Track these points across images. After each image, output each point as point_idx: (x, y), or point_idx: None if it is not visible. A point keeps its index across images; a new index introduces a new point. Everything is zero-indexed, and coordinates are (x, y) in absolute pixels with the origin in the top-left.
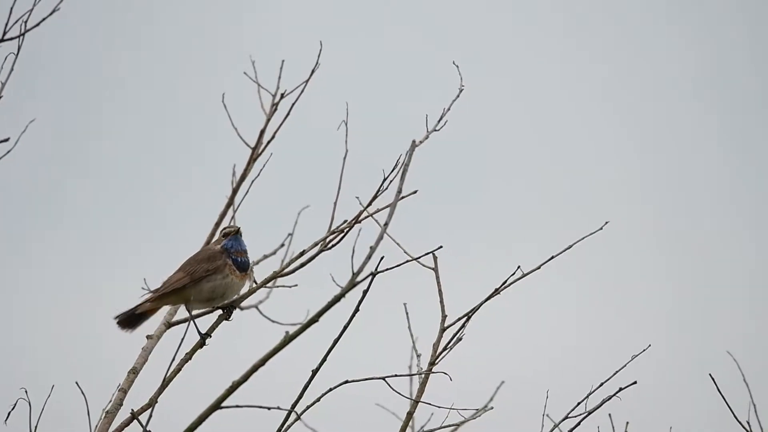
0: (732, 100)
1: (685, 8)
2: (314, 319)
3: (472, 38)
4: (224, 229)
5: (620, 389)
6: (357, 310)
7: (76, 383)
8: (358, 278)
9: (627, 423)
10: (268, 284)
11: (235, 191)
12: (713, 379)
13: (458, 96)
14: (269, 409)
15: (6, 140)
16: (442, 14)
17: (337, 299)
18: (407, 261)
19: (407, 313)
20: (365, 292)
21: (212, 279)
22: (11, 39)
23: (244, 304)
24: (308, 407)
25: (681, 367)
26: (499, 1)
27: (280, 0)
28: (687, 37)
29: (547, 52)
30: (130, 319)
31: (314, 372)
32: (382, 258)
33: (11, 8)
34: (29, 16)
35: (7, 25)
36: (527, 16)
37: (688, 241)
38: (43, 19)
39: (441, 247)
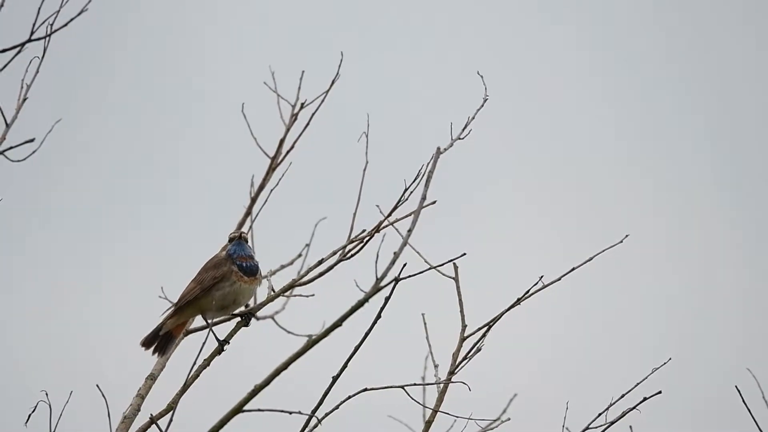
0: (737, 111)
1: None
2: (337, 324)
3: (490, 47)
4: (229, 234)
5: (644, 399)
6: (379, 316)
7: (97, 386)
8: (382, 283)
9: None
10: (286, 293)
11: (253, 200)
12: (739, 391)
13: (483, 105)
14: (290, 413)
15: (31, 140)
16: (463, 23)
17: (360, 304)
18: (429, 268)
19: (425, 324)
20: (387, 299)
21: (221, 287)
22: (38, 39)
23: (260, 313)
24: (328, 414)
25: (702, 379)
26: (518, 11)
27: (301, 10)
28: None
29: (568, 60)
30: (155, 340)
31: (335, 379)
32: (405, 265)
33: (39, 9)
34: (56, 17)
35: (34, 25)
36: (543, 25)
37: (709, 251)
38: (71, 20)
39: (465, 254)
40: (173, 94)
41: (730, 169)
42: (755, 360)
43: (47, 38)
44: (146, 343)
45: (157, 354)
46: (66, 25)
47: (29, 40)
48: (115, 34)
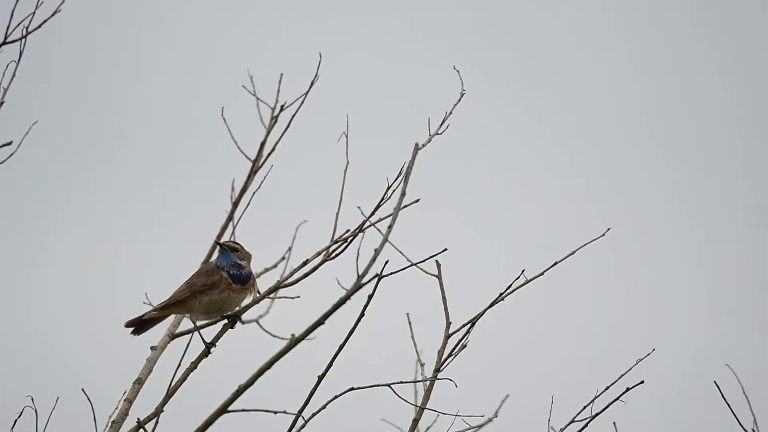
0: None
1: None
2: (320, 322)
3: (472, 41)
4: (223, 242)
5: (627, 389)
6: (362, 314)
7: (83, 390)
8: (363, 280)
9: None
10: (271, 295)
11: (235, 204)
12: (718, 387)
13: (459, 100)
14: (275, 413)
15: (9, 143)
16: (441, 21)
17: (342, 301)
18: (411, 265)
19: (410, 323)
20: (370, 297)
21: (209, 293)
22: (13, 42)
23: (245, 317)
24: (314, 414)
25: (686, 372)
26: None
27: (278, 12)
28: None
29: (556, 51)
30: (137, 324)
31: (320, 378)
32: (387, 262)
33: (12, 11)
34: (31, 19)
35: (8, 28)
36: (524, 19)
37: (696, 243)
38: (44, 21)
39: (446, 249)
40: (152, 98)
41: (742, 161)
42: (736, 354)
43: (23, 40)
44: (130, 325)
45: (134, 333)
46: (40, 26)
47: (4, 43)
48: (92, 35)
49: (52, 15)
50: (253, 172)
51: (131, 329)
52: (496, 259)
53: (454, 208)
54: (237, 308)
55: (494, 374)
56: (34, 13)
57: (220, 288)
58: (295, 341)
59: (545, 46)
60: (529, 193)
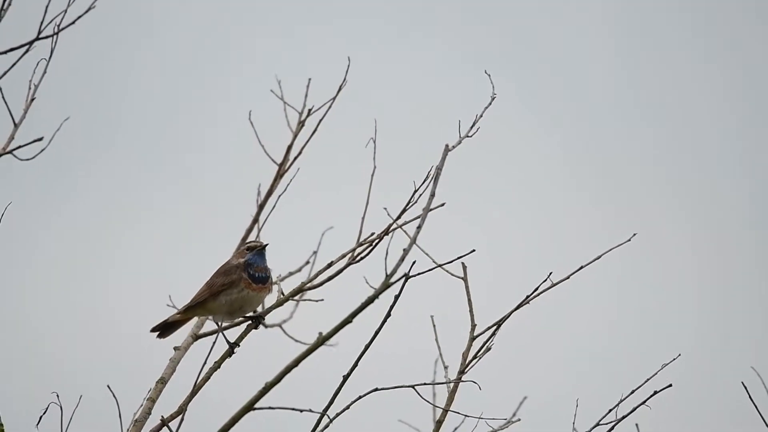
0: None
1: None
2: (348, 320)
3: (499, 46)
4: (249, 242)
5: (655, 392)
6: (389, 314)
7: (108, 386)
8: (392, 280)
9: None
10: (295, 297)
11: (261, 207)
12: (746, 387)
13: (490, 104)
14: (301, 411)
15: (40, 139)
16: (469, 24)
17: (371, 300)
18: (438, 266)
19: (434, 325)
20: (397, 297)
21: (228, 293)
22: (45, 38)
23: (268, 321)
24: (339, 413)
25: (711, 376)
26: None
27: (305, 17)
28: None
29: (580, 56)
30: (161, 329)
31: (345, 377)
32: (413, 263)
33: (46, 8)
34: (63, 16)
35: (41, 24)
36: (548, 20)
37: (720, 248)
38: (78, 17)
39: (474, 251)
40: (181, 100)
41: (749, 165)
42: (762, 357)
43: (55, 36)
44: (155, 330)
45: (160, 337)
46: (73, 23)
47: (37, 39)
48: (124, 33)
49: (86, 12)
50: (279, 175)
51: (156, 333)
52: (524, 261)
53: (474, 211)
54: (260, 307)
55: (519, 377)
56: (66, 9)
57: (239, 287)
58: (322, 340)
59: (549, 47)
60: (559, 195)
